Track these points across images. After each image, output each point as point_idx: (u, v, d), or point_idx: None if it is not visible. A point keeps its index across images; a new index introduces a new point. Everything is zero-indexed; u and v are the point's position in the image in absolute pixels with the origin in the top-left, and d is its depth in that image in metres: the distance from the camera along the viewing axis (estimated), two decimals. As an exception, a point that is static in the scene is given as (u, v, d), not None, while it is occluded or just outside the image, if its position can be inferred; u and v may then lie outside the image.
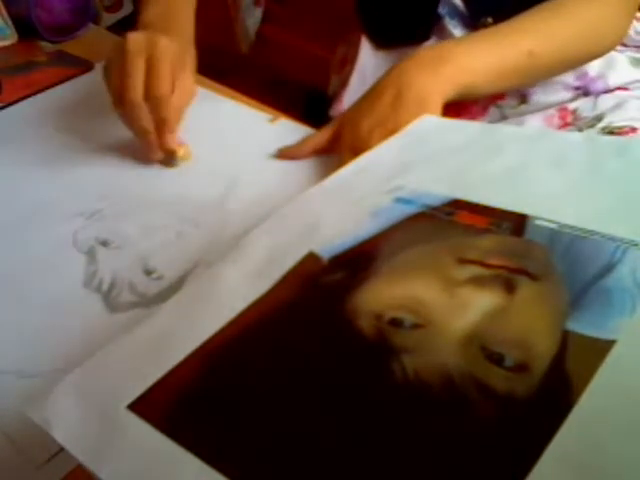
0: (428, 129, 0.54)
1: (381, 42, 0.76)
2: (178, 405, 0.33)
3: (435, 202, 0.44)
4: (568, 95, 0.72)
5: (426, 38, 0.72)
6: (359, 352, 0.34)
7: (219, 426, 0.32)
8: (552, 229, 0.39)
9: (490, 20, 0.68)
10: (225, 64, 0.76)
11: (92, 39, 0.88)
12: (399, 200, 0.45)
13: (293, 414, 0.32)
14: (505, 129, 0.53)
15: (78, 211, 0.58)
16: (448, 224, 0.42)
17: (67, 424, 0.33)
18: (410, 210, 0.44)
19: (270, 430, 0.31)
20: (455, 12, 0.70)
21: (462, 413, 0.30)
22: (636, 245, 0.36)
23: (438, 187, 0.46)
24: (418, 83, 0.57)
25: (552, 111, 0.72)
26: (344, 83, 0.80)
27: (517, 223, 0.40)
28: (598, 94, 0.72)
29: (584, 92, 0.72)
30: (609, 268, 0.35)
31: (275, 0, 0.80)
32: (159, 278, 0.50)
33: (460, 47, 0.59)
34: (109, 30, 0.97)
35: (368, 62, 0.77)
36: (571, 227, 0.39)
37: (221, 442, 0.31)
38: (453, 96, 0.58)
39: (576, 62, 0.69)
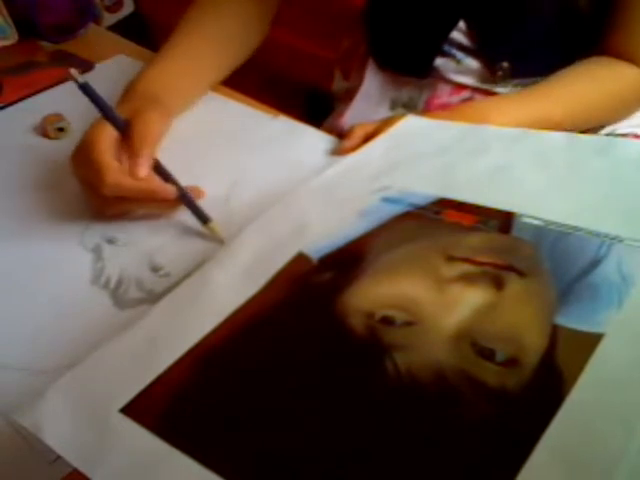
0: (413, 129, 0.54)
1: (385, 67, 0.77)
2: (171, 407, 0.33)
3: (422, 201, 0.44)
4: None
5: (425, 75, 0.72)
6: (351, 351, 0.35)
7: (213, 427, 0.32)
8: (538, 226, 0.40)
9: (506, 65, 0.68)
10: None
11: (92, 39, 0.87)
12: (386, 200, 0.46)
13: (286, 414, 0.32)
14: (488, 129, 0.53)
15: (84, 209, 0.58)
16: (436, 223, 0.43)
17: (58, 428, 0.33)
18: (397, 209, 0.44)
19: (264, 430, 0.31)
20: (466, 50, 0.70)
21: (455, 408, 0.30)
22: (621, 240, 0.37)
23: (424, 186, 0.46)
24: None
25: None
26: (348, 97, 0.81)
27: (504, 221, 0.41)
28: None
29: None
30: (595, 263, 0.36)
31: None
32: (166, 275, 0.51)
33: (498, 110, 0.61)
34: (110, 30, 0.96)
35: (374, 80, 0.77)
36: (557, 224, 0.40)
37: (215, 443, 0.31)
38: None
39: (597, 125, 0.70)
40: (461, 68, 0.71)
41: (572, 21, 0.67)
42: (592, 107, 0.66)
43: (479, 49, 0.69)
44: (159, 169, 0.54)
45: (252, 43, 0.74)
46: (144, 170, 0.52)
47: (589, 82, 0.66)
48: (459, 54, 0.70)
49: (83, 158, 0.54)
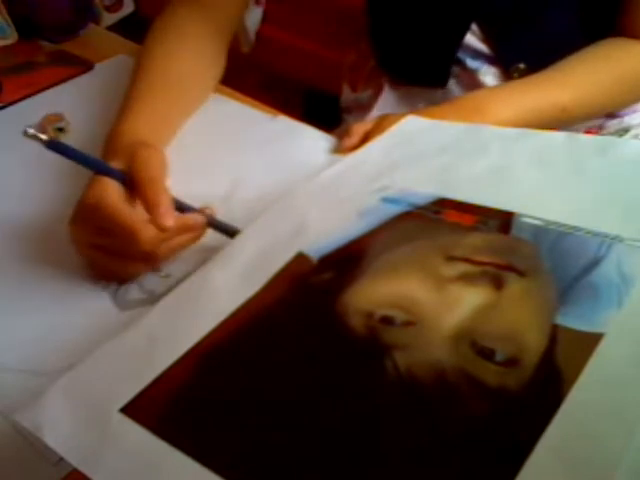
0: (413, 129, 0.54)
1: (398, 81, 0.75)
2: (172, 407, 0.33)
3: (422, 201, 0.44)
4: (597, 122, 0.72)
5: (444, 84, 0.71)
6: (351, 350, 0.35)
7: (214, 427, 0.32)
8: (538, 226, 0.40)
9: (522, 66, 0.66)
10: (225, 64, 0.76)
11: (92, 39, 0.88)
12: (386, 200, 0.46)
13: (286, 413, 0.32)
14: (488, 129, 0.53)
15: None
16: (435, 223, 0.43)
17: (59, 429, 0.33)
18: (397, 209, 0.44)
19: (264, 430, 0.31)
20: (479, 55, 0.68)
21: (455, 408, 0.30)
22: (621, 240, 0.37)
23: (424, 186, 0.46)
24: None
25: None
26: (357, 108, 0.80)
27: (503, 220, 0.41)
28: (625, 115, 0.72)
29: (612, 116, 0.72)
30: (595, 263, 0.36)
31: None
32: (167, 276, 0.51)
33: (498, 100, 0.59)
34: (109, 30, 0.96)
35: (390, 93, 0.76)
36: (556, 224, 0.40)
37: (216, 443, 0.31)
38: None
39: (611, 110, 0.68)
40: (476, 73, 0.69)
41: (592, 15, 0.64)
42: (604, 89, 0.62)
43: (494, 52, 0.67)
44: (176, 204, 0.50)
45: (213, 80, 0.70)
46: (170, 220, 0.47)
47: (599, 63, 0.62)
48: (474, 63, 0.68)
49: (95, 222, 0.48)
